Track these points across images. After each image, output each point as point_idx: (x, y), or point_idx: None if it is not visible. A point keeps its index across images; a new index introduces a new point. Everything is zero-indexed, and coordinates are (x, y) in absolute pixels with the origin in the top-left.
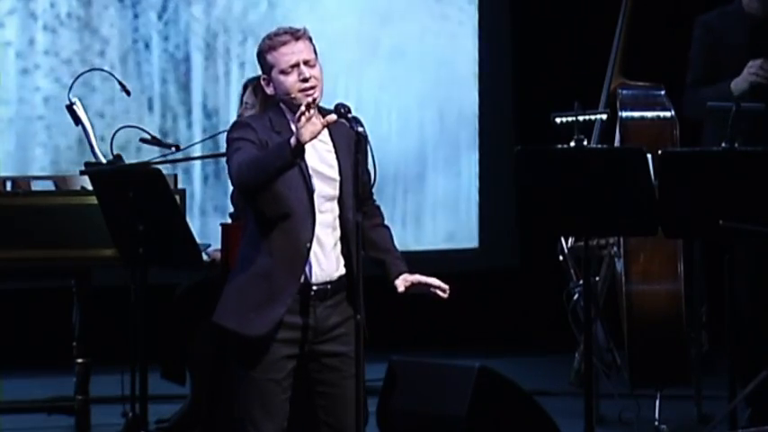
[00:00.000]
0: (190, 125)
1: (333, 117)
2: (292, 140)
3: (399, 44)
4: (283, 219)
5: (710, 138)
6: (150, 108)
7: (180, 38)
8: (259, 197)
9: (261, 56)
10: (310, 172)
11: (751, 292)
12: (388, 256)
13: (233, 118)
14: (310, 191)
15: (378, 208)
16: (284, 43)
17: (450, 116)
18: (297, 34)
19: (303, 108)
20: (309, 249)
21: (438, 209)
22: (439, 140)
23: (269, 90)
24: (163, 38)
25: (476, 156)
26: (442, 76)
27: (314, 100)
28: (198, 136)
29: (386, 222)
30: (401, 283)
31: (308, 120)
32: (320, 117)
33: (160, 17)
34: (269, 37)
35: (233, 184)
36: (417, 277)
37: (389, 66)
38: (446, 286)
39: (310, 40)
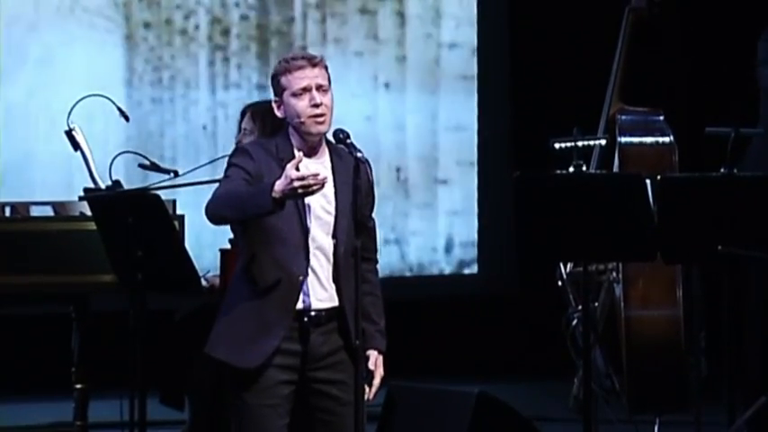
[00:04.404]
0: None
1: (322, 177)
2: (276, 188)
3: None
4: (276, 250)
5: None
6: None
7: None
8: (249, 227)
9: (275, 78)
10: (306, 204)
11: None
12: (370, 327)
13: None
14: (305, 224)
15: (375, 272)
16: (300, 68)
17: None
18: (313, 61)
19: (295, 161)
20: (302, 283)
21: (439, 234)
22: None
23: (279, 113)
24: None
25: (474, 180)
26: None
27: (319, 133)
28: None
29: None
30: (369, 357)
31: (297, 178)
32: (314, 172)
33: None
34: (285, 60)
35: (205, 210)
36: (376, 369)
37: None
38: (370, 395)
39: (326, 68)
